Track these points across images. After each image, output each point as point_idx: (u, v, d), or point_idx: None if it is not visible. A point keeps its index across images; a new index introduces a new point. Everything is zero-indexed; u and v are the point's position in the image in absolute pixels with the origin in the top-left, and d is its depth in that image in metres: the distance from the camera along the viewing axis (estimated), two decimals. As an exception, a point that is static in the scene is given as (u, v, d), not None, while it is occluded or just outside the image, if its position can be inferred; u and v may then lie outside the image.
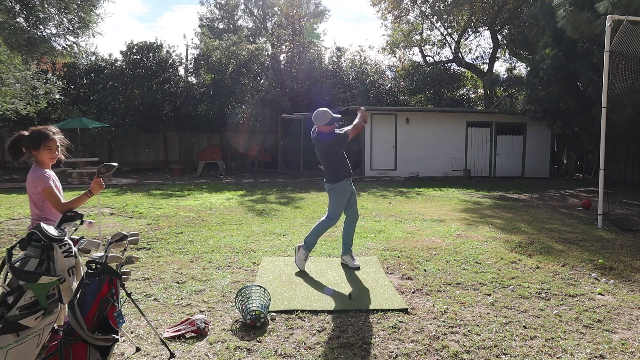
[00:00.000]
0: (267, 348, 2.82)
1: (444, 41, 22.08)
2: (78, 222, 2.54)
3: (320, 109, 4.39)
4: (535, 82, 12.55)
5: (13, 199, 9.23)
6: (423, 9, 20.61)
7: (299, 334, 3.03)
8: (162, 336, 2.87)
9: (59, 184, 2.85)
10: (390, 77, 23.15)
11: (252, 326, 3.09)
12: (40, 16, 8.71)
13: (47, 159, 2.77)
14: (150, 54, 18.05)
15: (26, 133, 2.76)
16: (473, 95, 24.36)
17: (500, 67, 37.57)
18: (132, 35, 61.86)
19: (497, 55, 20.67)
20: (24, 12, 8.65)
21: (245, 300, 3.21)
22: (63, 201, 2.73)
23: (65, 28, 9.28)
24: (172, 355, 2.70)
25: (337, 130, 4.41)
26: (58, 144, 2.80)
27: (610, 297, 3.80)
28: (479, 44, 44.85)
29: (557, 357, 2.73)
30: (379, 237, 5.94)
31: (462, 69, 22.34)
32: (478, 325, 3.16)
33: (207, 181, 13.89)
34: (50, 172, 2.80)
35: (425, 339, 2.95)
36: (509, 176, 15.93)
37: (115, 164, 2.92)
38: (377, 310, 3.42)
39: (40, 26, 8.91)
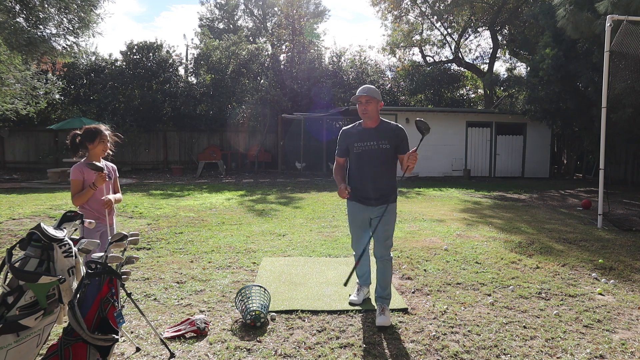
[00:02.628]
0: (267, 348, 2.82)
1: (444, 41, 22.10)
2: (78, 222, 2.54)
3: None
4: (535, 82, 12.55)
5: (13, 199, 9.23)
6: (423, 9, 20.63)
7: (299, 334, 3.03)
8: (162, 336, 2.87)
9: (116, 174, 3.36)
10: (390, 77, 23.17)
11: (252, 326, 3.09)
12: (40, 16, 8.71)
13: (100, 151, 3.21)
14: (150, 54, 18.06)
15: (79, 132, 3.21)
16: (473, 95, 24.38)
17: (500, 67, 37.60)
18: (129, 35, 61.92)
19: (497, 55, 20.69)
20: (24, 12, 8.65)
21: (245, 300, 3.21)
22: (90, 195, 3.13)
23: (65, 28, 9.28)
24: (172, 355, 2.70)
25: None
26: (108, 138, 3.24)
27: (610, 297, 3.80)
28: (479, 44, 44.93)
29: (557, 357, 2.73)
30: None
31: (462, 69, 22.36)
32: (478, 325, 3.16)
33: (207, 181, 13.89)
34: (107, 164, 3.28)
35: (425, 339, 2.95)
36: (509, 176, 15.94)
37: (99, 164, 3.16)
38: (377, 310, 3.42)
39: (40, 26, 8.91)
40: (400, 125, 3.27)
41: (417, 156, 3.03)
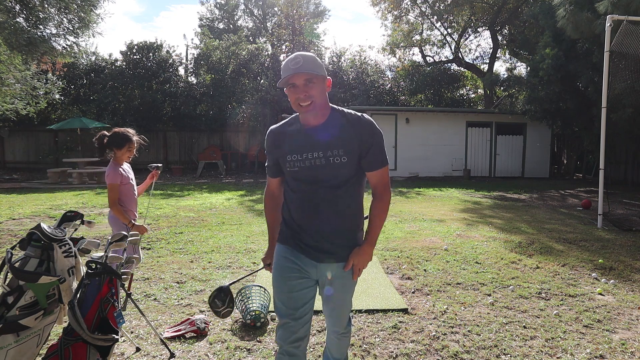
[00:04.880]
0: (267, 348, 2.82)
1: (444, 41, 22.10)
2: (78, 222, 2.54)
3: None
4: (535, 82, 12.55)
5: (13, 199, 9.23)
6: (423, 9, 20.62)
7: (299, 334, 3.02)
8: (162, 336, 2.87)
9: (131, 175, 3.48)
10: (390, 77, 23.15)
11: (252, 326, 3.09)
12: (40, 16, 8.72)
13: (126, 157, 3.40)
14: (150, 54, 18.06)
15: (107, 133, 3.32)
16: (473, 95, 24.37)
17: (500, 67, 37.66)
18: (129, 35, 61.97)
19: (497, 55, 20.68)
20: (24, 12, 8.66)
21: (246, 300, 3.21)
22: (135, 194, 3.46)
23: (65, 28, 9.29)
24: (172, 355, 2.70)
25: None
26: (135, 145, 3.40)
27: (610, 297, 3.80)
28: (479, 44, 44.91)
29: (557, 357, 2.73)
30: (379, 237, 5.93)
31: (462, 69, 22.36)
32: (478, 325, 3.16)
33: (207, 181, 13.89)
34: (125, 167, 3.42)
35: (425, 339, 2.95)
36: (509, 176, 15.93)
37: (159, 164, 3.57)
38: (377, 310, 3.42)
39: (40, 26, 8.92)
40: (366, 117, 1.83)
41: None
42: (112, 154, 3.34)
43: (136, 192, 3.51)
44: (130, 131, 3.37)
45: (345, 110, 1.88)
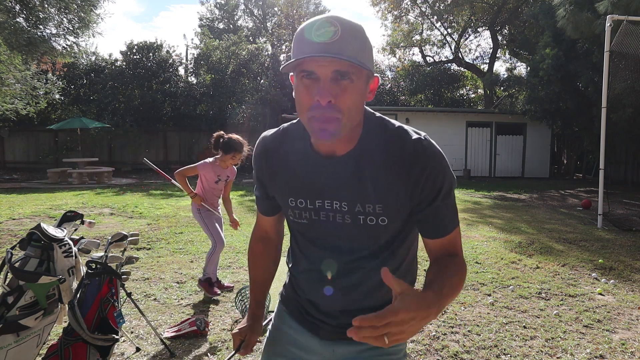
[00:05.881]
0: (267, 348, 2.81)
1: (444, 41, 22.13)
2: (78, 222, 2.53)
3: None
4: (535, 82, 12.56)
5: (13, 199, 9.22)
6: (423, 9, 20.64)
7: (299, 334, 3.02)
8: (162, 336, 2.87)
9: (228, 178, 3.67)
10: (390, 77, 23.17)
11: (252, 326, 3.09)
12: (40, 16, 8.73)
13: (229, 163, 3.60)
14: (150, 54, 18.07)
15: (224, 135, 3.55)
16: (473, 95, 24.40)
17: (500, 67, 37.63)
18: (128, 35, 62.11)
19: (497, 55, 20.71)
20: (24, 12, 8.67)
21: (246, 300, 3.21)
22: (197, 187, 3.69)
23: (65, 28, 9.30)
24: (172, 355, 2.70)
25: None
26: (241, 157, 3.56)
27: (610, 297, 3.80)
28: (479, 44, 44.91)
29: (557, 357, 2.73)
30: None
31: (462, 69, 22.38)
32: (478, 325, 3.16)
33: (207, 181, 13.87)
34: (228, 171, 3.64)
35: (425, 339, 2.95)
36: (509, 176, 15.94)
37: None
38: (377, 310, 3.41)
39: (40, 26, 8.93)
40: (427, 142, 0.97)
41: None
42: (219, 153, 3.59)
43: (220, 192, 3.74)
44: (242, 142, 3.54)
45: (392, 125, 1.02)
